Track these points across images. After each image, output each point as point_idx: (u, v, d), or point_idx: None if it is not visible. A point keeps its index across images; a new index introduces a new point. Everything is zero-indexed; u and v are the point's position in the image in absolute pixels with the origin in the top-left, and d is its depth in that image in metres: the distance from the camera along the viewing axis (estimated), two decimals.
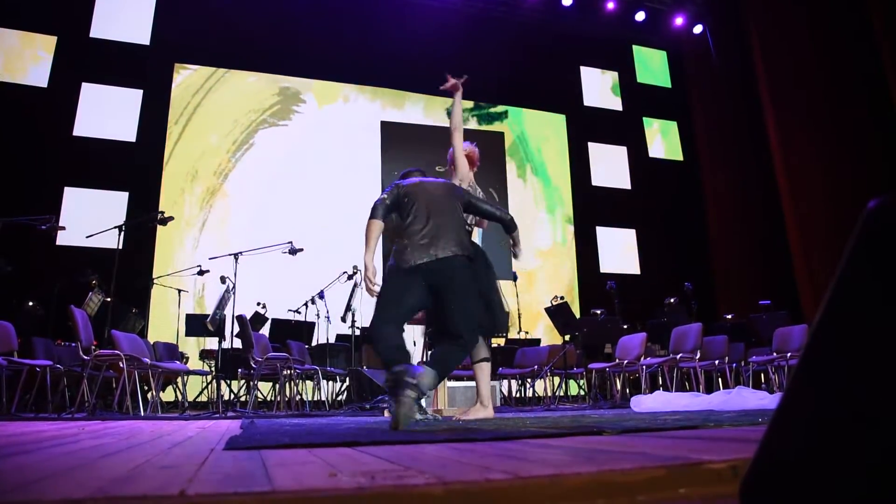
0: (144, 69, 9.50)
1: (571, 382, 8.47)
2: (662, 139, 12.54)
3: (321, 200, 9.67)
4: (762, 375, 7.78)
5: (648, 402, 4.31)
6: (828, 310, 0.67)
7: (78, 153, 8.85)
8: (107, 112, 9.16)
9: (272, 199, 9.66)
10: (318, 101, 10.37)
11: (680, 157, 12.50)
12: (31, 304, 7.10)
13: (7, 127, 8.43)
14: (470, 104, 11.04)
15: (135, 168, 9.08)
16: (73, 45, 9.20)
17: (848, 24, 9.45)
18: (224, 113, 9.97)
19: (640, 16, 12.03)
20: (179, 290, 7.72)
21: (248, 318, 6.44)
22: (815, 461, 0.64)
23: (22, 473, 1.03)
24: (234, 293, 6.12)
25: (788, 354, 6.48)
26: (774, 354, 6.72)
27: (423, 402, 3.29)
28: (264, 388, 7.82)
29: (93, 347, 5.35)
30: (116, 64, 9.32)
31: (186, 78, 9.90)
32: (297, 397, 6.94)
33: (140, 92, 9.44)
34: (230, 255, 6.12)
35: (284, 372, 6.43)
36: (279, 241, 6.57)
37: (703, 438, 1.50)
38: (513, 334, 8.76)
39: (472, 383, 4.26)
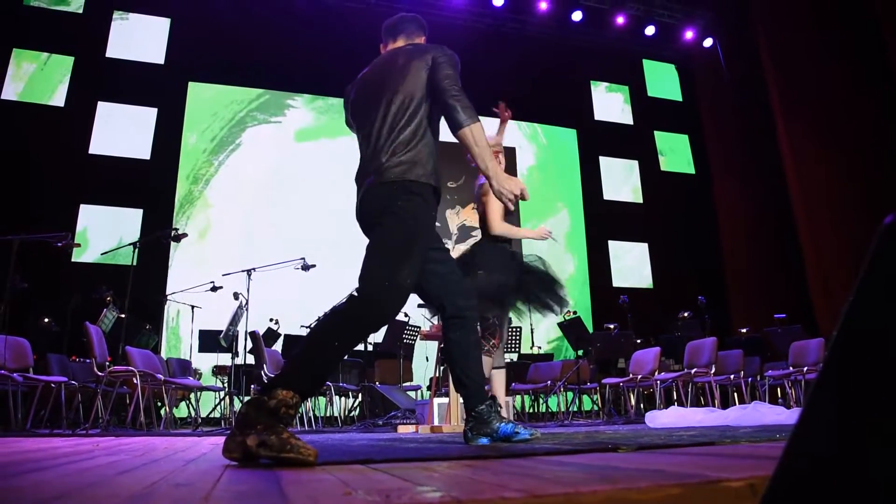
0: (159, 88, 9.63)
1: (585, 398, 8.40)
2: (674, 153, 12.52)
3: (330, 214, 9.55)
4: (778, 390, 7.69)
5: (663, 418, 4.27)
6: (846, 324, 0.66)
7: (93, 171, 8.97)
8: (122, 130, 9.29)
9: (272, 211, 9.59)
10: (325, 114, 10.43)
11: (692, 171, 12.47)
12: (46, 320, 7.17)
13: (25, 145, 8.57)
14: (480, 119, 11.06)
15: (149, 185, 9.19)
16: (89, 65, 9.36)
17: (860, 35, 9.42)
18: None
19: (650, 30, 12.06)
20: (193, 307, 7.76)
21: (261, 334, 6.46)
22: (837, 479, 0.63)
23: (39, 491, 1.03)
24: (246, 309, 6.15)
25: (805, 368, 6.41)
26: (791, 369, 6.64)
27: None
28: None
29: (107, 364, 5.38)
30: (131, 83, 9.46)
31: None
32: (310, 413, 6.94)
33: (154, 110, 9.57)
34: (243, 271, 6.15)
35: None
36: (287, 255, 6.60)
37: (719, 455, 1.48)
38: (525, 349, 8.73)
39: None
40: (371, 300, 1.97)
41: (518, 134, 11.50)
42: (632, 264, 11.55)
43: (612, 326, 8.00)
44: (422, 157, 2.19)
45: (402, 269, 2.02)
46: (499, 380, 3.71)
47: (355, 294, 2.02)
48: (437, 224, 2.45)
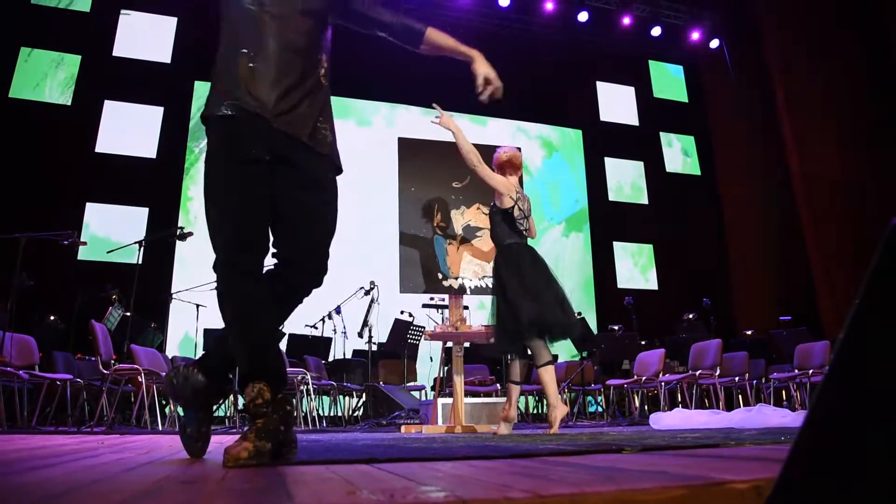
0: (165, 87, 9.65)
1: (589, 398, 8.38)
2: (679, 154, 12.49)
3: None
4: (783, 392, 7.67)
5: (668, 420, 4.27)
6: (852, 327, 0.66)
7: (100, 169, 9.00)
8: (128, 129, 9.31)
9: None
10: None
11: (697, 172, 12.45)
12: (52, 318, 7.20)
13: (32, 143, 8.61)
14: (487, 119, 11.05)
15: (155, 184, 9.21)
16: (96, 63, 9.38)
17: (867, 36, 9.38)
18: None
19: (656, 31, 12.03)
20: (198, 305, 7.77)
21: None
22: (842, 482, 0.63)
23: (45, 488, 1.04)
24: None
25: (810, 371, 6.39)
26: (796, 371, 6.62)
27: None
28: None
29: (112, 362, 5.40)
30: (138, 82, 9.48)
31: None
32: (314, 413, 6.95)
33: (161, 109, 9.59)
34: None
35: (301, 387, 6.44)
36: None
37: (724, 457, 1.48)
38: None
39: (491, 399, 4.19)
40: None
41: (524, 134, 11.49)
42: (637, 265, 11.52)
43: (616, 328, 7.99)
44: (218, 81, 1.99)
45: (212, 218, 1.86)
46: (550, 373, 3.77)
47: None
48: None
